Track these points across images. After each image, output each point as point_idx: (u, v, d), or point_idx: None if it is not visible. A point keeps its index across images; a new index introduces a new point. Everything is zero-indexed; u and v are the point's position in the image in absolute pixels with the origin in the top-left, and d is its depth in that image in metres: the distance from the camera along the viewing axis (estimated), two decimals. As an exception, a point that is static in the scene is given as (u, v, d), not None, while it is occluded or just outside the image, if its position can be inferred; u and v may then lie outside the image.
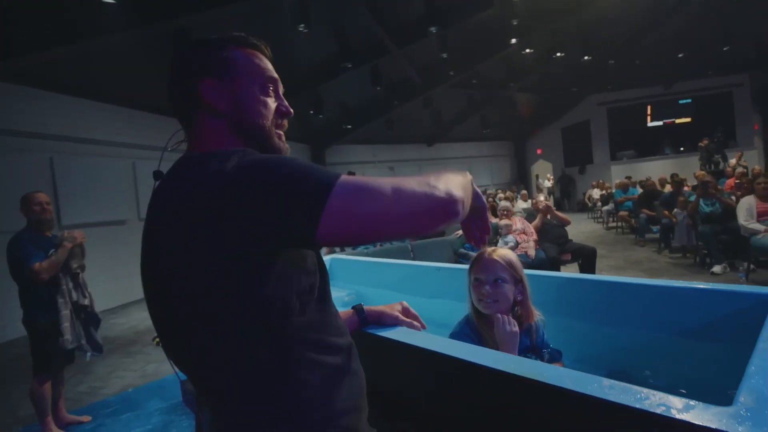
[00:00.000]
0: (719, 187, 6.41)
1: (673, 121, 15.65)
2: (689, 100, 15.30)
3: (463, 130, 16.16)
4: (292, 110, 0.80)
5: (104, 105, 7.02)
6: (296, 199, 0.56)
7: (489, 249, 1.36)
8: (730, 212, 4.88)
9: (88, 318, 2.81)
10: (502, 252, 1.34)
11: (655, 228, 6.83)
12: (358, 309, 1.13)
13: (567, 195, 16.75)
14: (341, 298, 2.23)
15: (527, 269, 1.44)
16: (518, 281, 1.31)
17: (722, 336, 1.22)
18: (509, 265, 1.30)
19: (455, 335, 1.34)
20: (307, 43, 7.74)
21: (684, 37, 11.26)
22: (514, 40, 9.91)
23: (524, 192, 11.66)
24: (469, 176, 0.77)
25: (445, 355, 0.95)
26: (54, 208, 2.80)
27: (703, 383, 1.19)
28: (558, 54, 10.76)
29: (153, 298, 0.68)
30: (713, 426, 0.58)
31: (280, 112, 0.78)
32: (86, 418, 2.89)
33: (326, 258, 2.58)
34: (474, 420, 0.96)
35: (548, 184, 16.97)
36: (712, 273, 4.94)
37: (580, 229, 10.07)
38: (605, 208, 10.49)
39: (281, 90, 0.80)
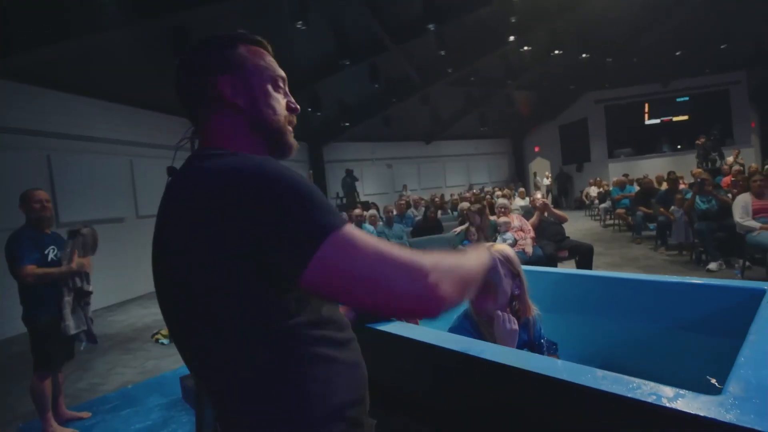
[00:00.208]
0: (716, 184, 6.44)
1: (671, 119, 15.67)
2: (686, 98, 15.33)
3: (461, 127, 16.15)
4: (299, 107, 0.81)
5: (102, 102, 7.01)
6: (292, 233, 0.56)
7: (486, 244, 1.38)
8: (726, 209, 4.91)
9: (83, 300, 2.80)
10: (500, 247, 1.36)
11: (651, 225, 6.86)
12: None
13: (564, 192, 16.78)
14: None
15: (525, 266, 1.46)
16: (516, 276, 1.33)
17: (715, 329, 1.24)
18: (507, 260, 1.32)
19: (454, 329, 1.36)
20: (305, 41, 7.73)
21: (681, 35, 11.27)
22: (512, 38, 9.90)
23: (522, 189, 11.67)
24: (484, 257, 0.78)
25: (445, 349, 0.97)
26: (52, 206, 2.79)
27: (696, 374, 1.21)
28: (556, 52, 10.76)
29: (162, 293, 0.70)
30: (702, 414, 0.60)
31: (289, 109, 0.80)
32: (86, 414, 2.90)
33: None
34: (472, 411, 0.97)
35: (546, 181, 17.00)
36: (708, 270, 4.98)
37: (577, 226, 10.10)
38: (602, 205, 10.53)
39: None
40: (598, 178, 13.02)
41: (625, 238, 7.98)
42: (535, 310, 1.34)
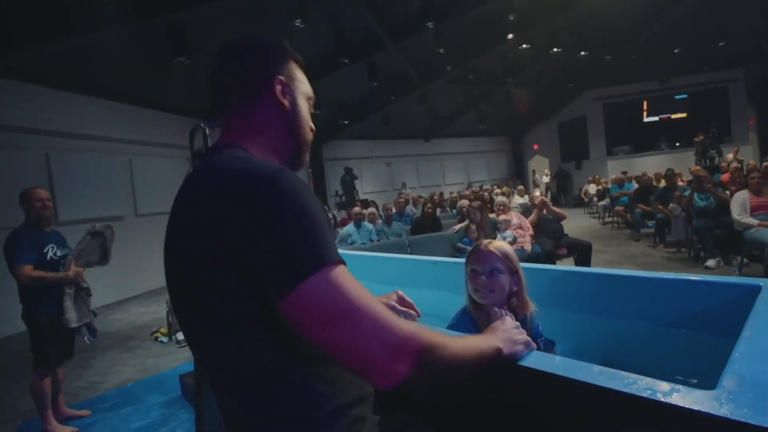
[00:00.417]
0: (715, 181, 6.46)
1: (669, 117, 15.69)
2: (685, 96, 15.35)
3: (459, 125, 16.15)
4: (315, 129, 0.85)
5: (101, 101, 7.00)
6: (283, 255, 0.56)
7: (485, 241, 1.39)
8: (725, 207, 4.93)
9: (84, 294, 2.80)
10: (498, 244, 1.37)
11: (650, 223, 6.88)
12: None
13: (563, 190, 16.81)
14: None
15: (524, 263, 1.47)
16: (514, 272, 1.34)
17: (711, 325, 1.25)
18: (505, 256, 1.33)
19: (453, 326, 1.37)
20: (303, 39, 7.70)
21: (680, 32, 11.27)
22: (510, 36, 9.90)
23: (521, 187, 11.69)
24: (487, 349, 0.75)
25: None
26: (52, 205, 2.79)
27: (693, 370, 1.22)
28: (555, 49, 10.76)
29: (170, 288, 0.70)
30: (696, 408, 0.61)
31: (310, 128, 0.83)
32: (85, 413, 2.90)
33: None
34: (471, 407, 0.98)
35: (545, 179, 17.02)
36: (706, 267, 4.99)
37: (576, 224, 10.12)
38: (601, 203, 10.55)
39: None
40: (596, 176, 13.04)
41: (623, 235, 8.00)
42: (532, 306, 1.35)
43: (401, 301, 1.23)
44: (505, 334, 0.85)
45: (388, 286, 2.33)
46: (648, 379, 0.70)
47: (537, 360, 0.85)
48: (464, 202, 6.25)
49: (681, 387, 0.66)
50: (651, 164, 13.44)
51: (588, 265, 4.59)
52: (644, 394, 0.66)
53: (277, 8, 6.49)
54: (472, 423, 0.99)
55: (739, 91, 14.62)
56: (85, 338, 2.79)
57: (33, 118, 5.96)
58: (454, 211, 8.27)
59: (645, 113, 15.82)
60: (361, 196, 12.97)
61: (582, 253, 4.64)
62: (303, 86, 0.81)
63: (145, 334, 4.75)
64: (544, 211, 4.93)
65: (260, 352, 0.62)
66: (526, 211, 6.08)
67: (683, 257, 5.72)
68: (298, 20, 6.39)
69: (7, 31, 4.97)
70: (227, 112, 0.77)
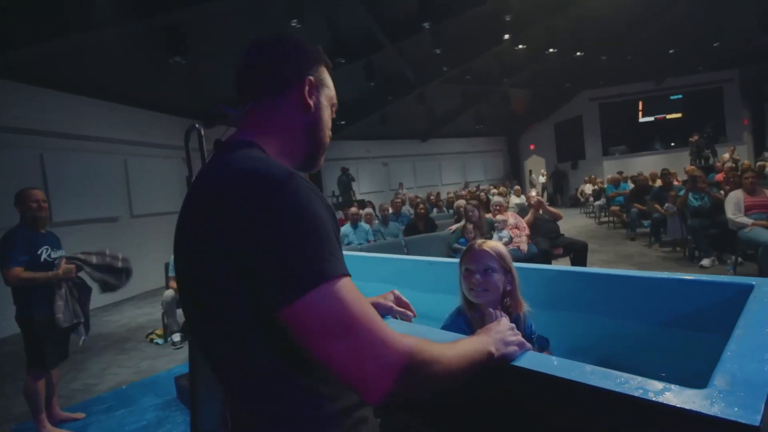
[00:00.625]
0: (709, 181, 6.49)
1: (665, 117, 15.77)
2: (680, 96, 15.43)
3: (456, 125, 16.17)
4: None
5: (96, 101, 6.96)
6: (286, 266, 0.55)
7: (479, 240, 1.39)
8: (719, 206, 4.95)
9: (82, 294, 2.77)
10: (492, 243, 1.37)
11: (646, 222, 6.91)
12: None
13: (560, 190, 16.86)
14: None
15: (519, 263, 1.47)
16: (507, 271, 1.34)
17: (704, 324, 1.26)
18: (499, 255, 1.33)
19: (447, 327, 1.36)
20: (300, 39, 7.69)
21: (675, 33, 11.33)
22: (507, 36, 9.92)
23: (517, 187, 11.72)
24: (480, 351, 0.74)
25: (435, 345, 0.97)
26: (48, 206, 2.78)
27: (688, 369, 1.23)
28: (551, 50, 10.80)
29: (178, 277, 0.70)
30: (687, 407, 0.61)
31: (328, 133, 0.84)
32: (80, 415, 2.88)
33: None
34: (466, 407, 0.98)
35: (542, 179, 17.07)
36: (701, 266, 5.02)
37: (572, 223, 10.15)
38: (597, 203, 10.59)
39: None
40: (592, 176, 13.10)
41: (619, 235, 8.03)
42: (525, 306, 1.35)
43: (398, 300, 1.23)
44: (498, 335, 0.85)
45: (384, 286, 2.33)
46: (640, 378, 0.70)
47: (530, 360, 0.85)
48: (461, 202, 6.26)
49: (672, 386, 0.67)
50: (646, 164, 13.52)
51: (584, 264, 4.60)
52: (636, 394, 0.67)
53: (274, 8, 6.48)
54: (469, 423, 1.00)
55: (733, 91, 14.71)
56: (81, 338, 2.76)
57: (27, 117, 5.92)
58: (451, 211, 8.28)
59: (640, 113, 15.90)
60: (358, 197, 12.96)
61: (578, 253, 4.65)
62: (329, 92, 0.82)
63: (141, 335, 4.73)
64: (540, 211, 4.94)
65: (263, 354, 0.62)
66: (522, 210, 6.09)
67: (678, 256, 5.75)
68: (295, 20, 6.38)
69: (3, 31, 4.93)
70: (251, 104, 0.76)
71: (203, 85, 8.20)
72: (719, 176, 8.25)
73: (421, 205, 6.48)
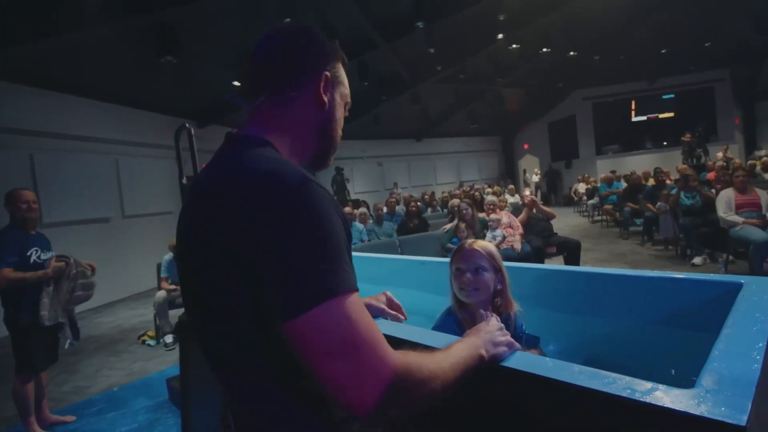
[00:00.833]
0: (701, 180, 6.54)
1: (657, 116, 15.89)
2: (672, 96, 15.56)
3: (451, 125, 16.20)
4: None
5: (87, 100, 6.89)
6: (292, 279, 0.53)
7: (469, 240, 1.39)
8: (710, 205, 5.00)
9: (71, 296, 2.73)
10: (482, 243, 1.37)
11: (639, 221, 6.95)
12: None
13: (553, 189, 16.94)
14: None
15: (512, 262, 1.47)
16: (498, 271, 1.34)
17: (694, 322, 1.26)
18: (489, 254, 1.33)
19: (437, 327, 1.36)
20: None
21: (667, 33, 11.42)
22: (500, 36, 9.95)
23: (512, 187, 11.77)
24: (472, 357, 0.73)
25: (427, 347, 0.97)
26: (38, 207, 2.75)
27: (679, 367, 1.23)
28: (544, 49, 10.84)
29: (180, 273, 0.69)
30: (674, 407, 0.61)
31: (340, 131, 0.82)
32: (70, 418, 2.86)
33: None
34: (453, 408, 0.98)
35: (536, 178, 17.14)
36: (693, 264, 5.06)
37: (566, 222, 10.20)
38: (590, 201, 10.65)
39: None
40: (586, 175, 13.17)
41: (612, 233, 8.08)
42: (516, 305, 1.35)
43: (390, 302, 1.22)
44: (488, 336, 0.84)
45: (377, 286, 2.33)
46: (627, 378, 0.70)
47: (519, 361, 0.84)
48: (455, 201, 6.27)
49: (660, 386, 0.66)
50: (639, 163, 13.61)
51: (577, 263, 4.63)
52: (623, 394, 0.66)
53: (267, 7, 6.45)
54: (457, 423, 0.99)
55: (725, 90, 14.85)
56: (67, 341, 2.74)
57: (16, 118, 5.85)
58: (446, 210, 8.29)
59: (633, 113, 16.02)
60: (353, 196, 12.94)
61: (571, 251, 4.67)
62: (344, 89, 0.80)
63: (133, 337, 4.69)
64: (534, 210, 4.96)
65: (263, 356, 0.61)
66: (517, 210, 6.11)
67: (671, 255, 5.79)
68: (288, 19, 6.36)
69: (-10, 30, 4.87)
70: (263, 96, 0.73)
71: (195, 84, 8.15)
72: (711, 175, 8.33)
73: (412, 204, 6.47)
